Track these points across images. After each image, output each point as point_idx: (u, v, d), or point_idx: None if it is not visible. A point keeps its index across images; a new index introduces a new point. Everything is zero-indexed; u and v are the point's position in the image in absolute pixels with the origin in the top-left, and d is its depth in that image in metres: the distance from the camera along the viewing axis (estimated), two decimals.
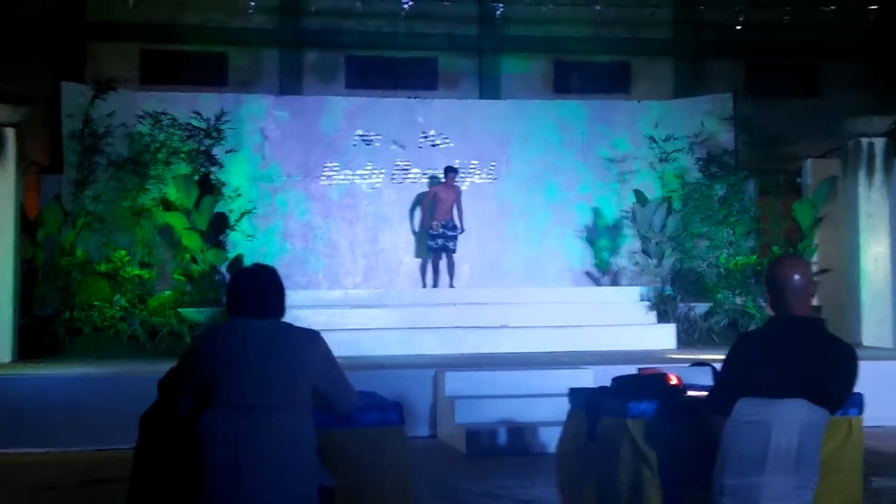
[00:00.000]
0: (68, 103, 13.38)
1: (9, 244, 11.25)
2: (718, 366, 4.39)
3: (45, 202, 12.97)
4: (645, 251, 14.01)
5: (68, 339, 11.95)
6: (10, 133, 11.35)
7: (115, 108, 13.10)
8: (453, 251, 13.88)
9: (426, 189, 14.50)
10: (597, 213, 14.97)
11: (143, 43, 15.42)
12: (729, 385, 3.82)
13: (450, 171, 13.97)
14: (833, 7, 14.83)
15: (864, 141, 13.10)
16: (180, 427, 3.76)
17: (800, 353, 3.78)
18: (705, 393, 4.10)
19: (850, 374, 3.88)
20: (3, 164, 11.29)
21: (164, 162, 13.28)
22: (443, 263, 13.99)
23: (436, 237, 13.83)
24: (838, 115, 13.54)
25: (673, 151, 14.34)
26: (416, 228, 14.53)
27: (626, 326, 12.73)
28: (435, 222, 13.79)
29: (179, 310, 12.14)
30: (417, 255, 14.51)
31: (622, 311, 13.24)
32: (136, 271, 12.59)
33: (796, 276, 3.87)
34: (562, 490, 4.81)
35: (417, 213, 14.56)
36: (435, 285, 14.02)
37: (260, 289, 3.84)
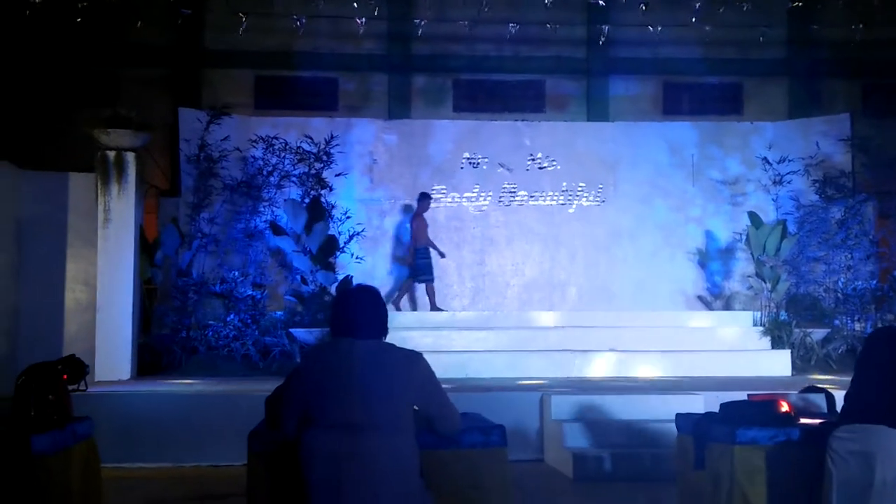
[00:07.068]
0: (185, 129, 13.81)
1: (129, 265, 11.62)
2: (834, 392, 4.25)
3: (163, 224, 13.40)
4: (759, 275, 13.67)
5: (184, 357, 12.29)
6: (130, 158, 11.74)
7: (230, 133, 13.50)
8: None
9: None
10: (708, 235, 14.70)
11: (257, 69, 15.84)
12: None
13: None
14: None
15: None
16: (286, 445, 3.81)
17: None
18: (818, 420, 3.96)
19: None
20: (124, 187, 11.68)
21: (276, 185, 13.61)
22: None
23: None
24: None
25: (787, 173, 14.03)
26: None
27: (738, 352, 12.42)
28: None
29: (290, 330, 12.38)
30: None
31: (735, 336, 12.93)
32: (249, 292, 12.90)
33: None
34: None
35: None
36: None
37: (362, 309, 3.86)
